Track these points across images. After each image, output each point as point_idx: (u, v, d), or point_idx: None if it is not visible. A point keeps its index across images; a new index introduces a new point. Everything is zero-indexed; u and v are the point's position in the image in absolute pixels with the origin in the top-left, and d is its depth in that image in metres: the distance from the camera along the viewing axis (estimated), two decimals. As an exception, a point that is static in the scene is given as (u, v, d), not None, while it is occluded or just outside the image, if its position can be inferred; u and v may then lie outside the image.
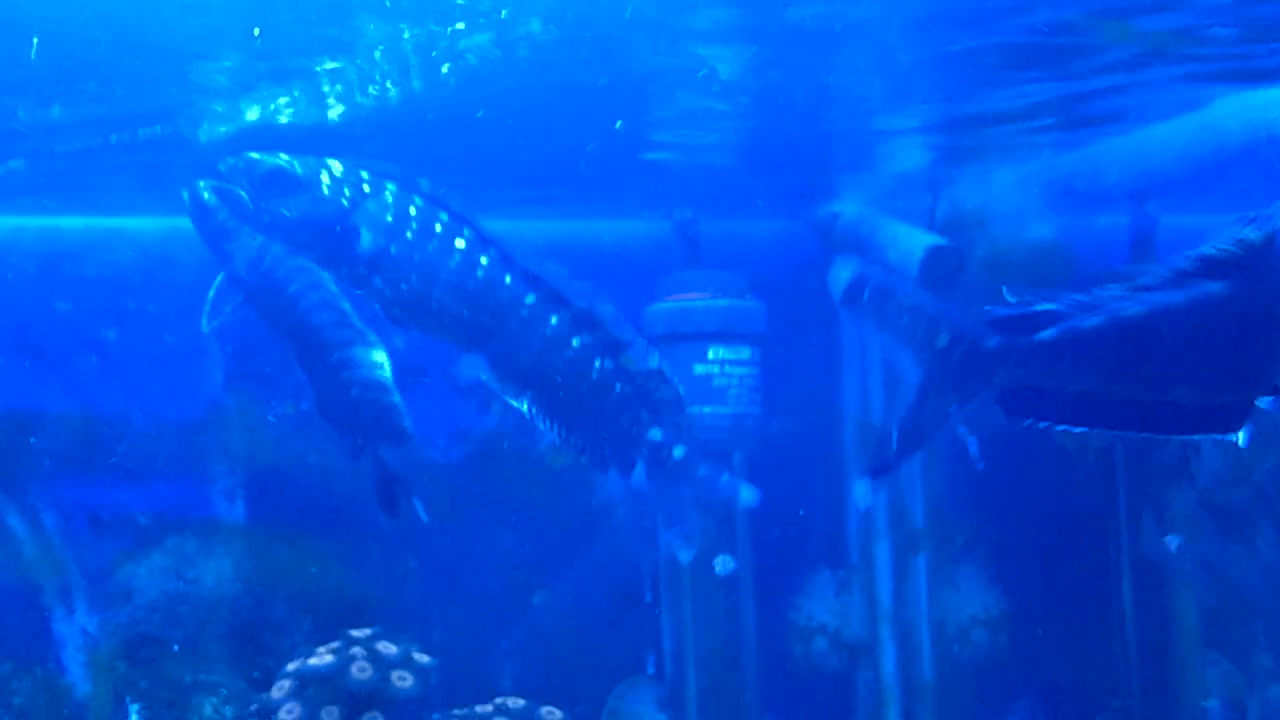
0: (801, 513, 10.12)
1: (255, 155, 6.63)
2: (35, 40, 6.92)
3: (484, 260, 6.63)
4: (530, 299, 6.64)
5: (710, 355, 9.37)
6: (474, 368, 6.81)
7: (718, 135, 9.12)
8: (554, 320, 6.66)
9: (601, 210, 10.92)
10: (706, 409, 9.35)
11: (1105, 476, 9.85)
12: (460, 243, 6.68)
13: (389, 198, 6.65)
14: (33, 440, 10.11)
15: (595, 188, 10.26)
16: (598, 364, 6.71)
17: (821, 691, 10.12)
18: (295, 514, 10.15)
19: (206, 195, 7.70)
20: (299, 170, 6.61)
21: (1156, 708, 9.78)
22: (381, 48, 7.32)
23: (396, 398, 7.83)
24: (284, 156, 6.64)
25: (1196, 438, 8.10)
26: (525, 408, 6.82)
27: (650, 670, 9.98)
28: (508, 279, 6.67)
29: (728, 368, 9.39)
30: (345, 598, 10.00)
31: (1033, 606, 10.11)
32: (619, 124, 8.63)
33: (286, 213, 6.63)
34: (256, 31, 6.98)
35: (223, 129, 8.39)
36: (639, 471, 6.80)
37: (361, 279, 6.69)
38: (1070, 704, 10.15)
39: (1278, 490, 9.97)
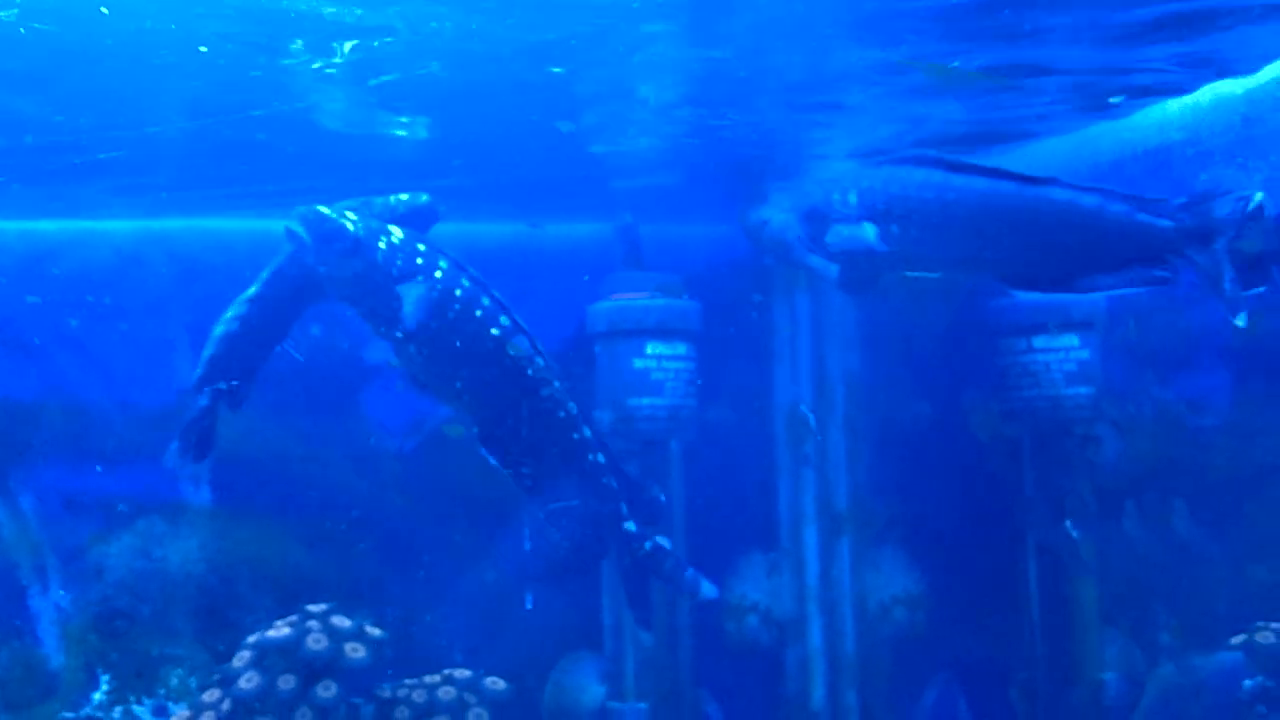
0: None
1: (325, 211, 7.12)
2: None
3: (512, 351, 7.20)
4: (546, 392, 7.21)
5: (649, 350, 9.91)
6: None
7: (659, 153, 9.80)
8: (561, 415, 7.24)
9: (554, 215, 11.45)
10: (645, 400, 9.90)
11: (1014, 464, 10.46)
12: (495, 330, 7.20)
13: (438, 274, 7.16)
14: (13, 429, 10.59)
15: (548, 195, 10.83)
16: (591, 458, 7.47)
17: (753, 666, 10.62)
18: (257, 498, 10.64)
19: None
20: (360, 233, 7.11)
21: (1059, 681, 10.35)
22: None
23: None
24: (351, 215, 7.14)
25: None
26: (519, 480, 7.42)
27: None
28: (530, 371, 7.25)
29: (665, 362, 9.93)
30: (303, 576, 10.48)
31: (948, 587, 10.67)
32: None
33: (342, 270, 7.15)
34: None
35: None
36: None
37: (399, 343, 7.19)
38: (982, 677, 10.73)
39: (1138, 476, 10.55)
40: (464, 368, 7.29)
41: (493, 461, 7.49)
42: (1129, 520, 10.47)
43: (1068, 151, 10.08)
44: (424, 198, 7.95)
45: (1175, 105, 9.56)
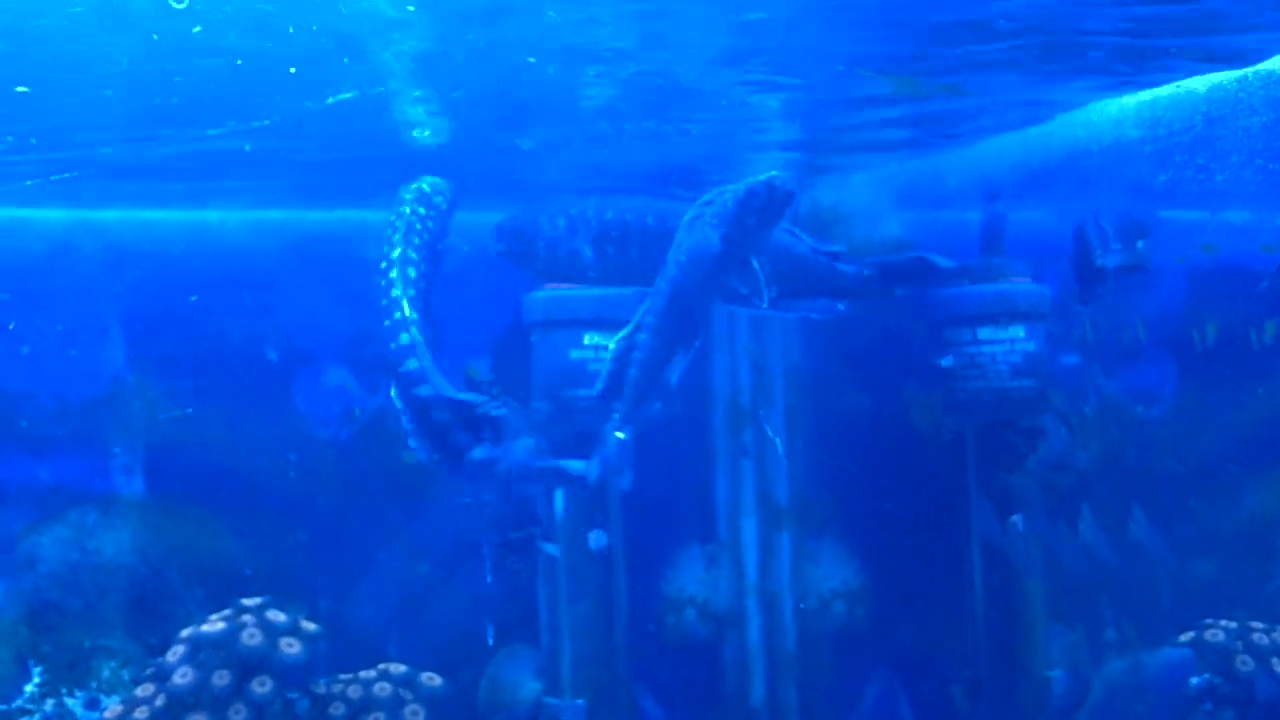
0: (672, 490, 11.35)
1: None
2: None
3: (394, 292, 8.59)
4: (387, 321, 8.41)
5: (585, 341, 10.75)
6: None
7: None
8: (393, 346, 8.42)
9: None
10: (582, 392, 10.71)
11: (957, 459, 11.24)
12: (394, 272, 8.47)
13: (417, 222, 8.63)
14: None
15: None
16: (418, 394, 8.74)
17: (691, 660, 11.40)
18: (190, 488, 11.48)
19: None
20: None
21: (1003, 678, 11.16)
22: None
23: None
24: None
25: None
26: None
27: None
28: (383, 301, 8.93)
29: (601, 353, 10.57)
30: (237, 568, 11.36)
31: (890, 581, 11.43)
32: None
33: None
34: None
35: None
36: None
37: None
38: (924, 674, 11.53)
39: (1097, 477, 11.31)
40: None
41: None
42: (1085, 523, 11.17)
43: (1020, 146, 10.84)
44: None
45: (1133, 101, 10.21)
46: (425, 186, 10.24)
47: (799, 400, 11.35)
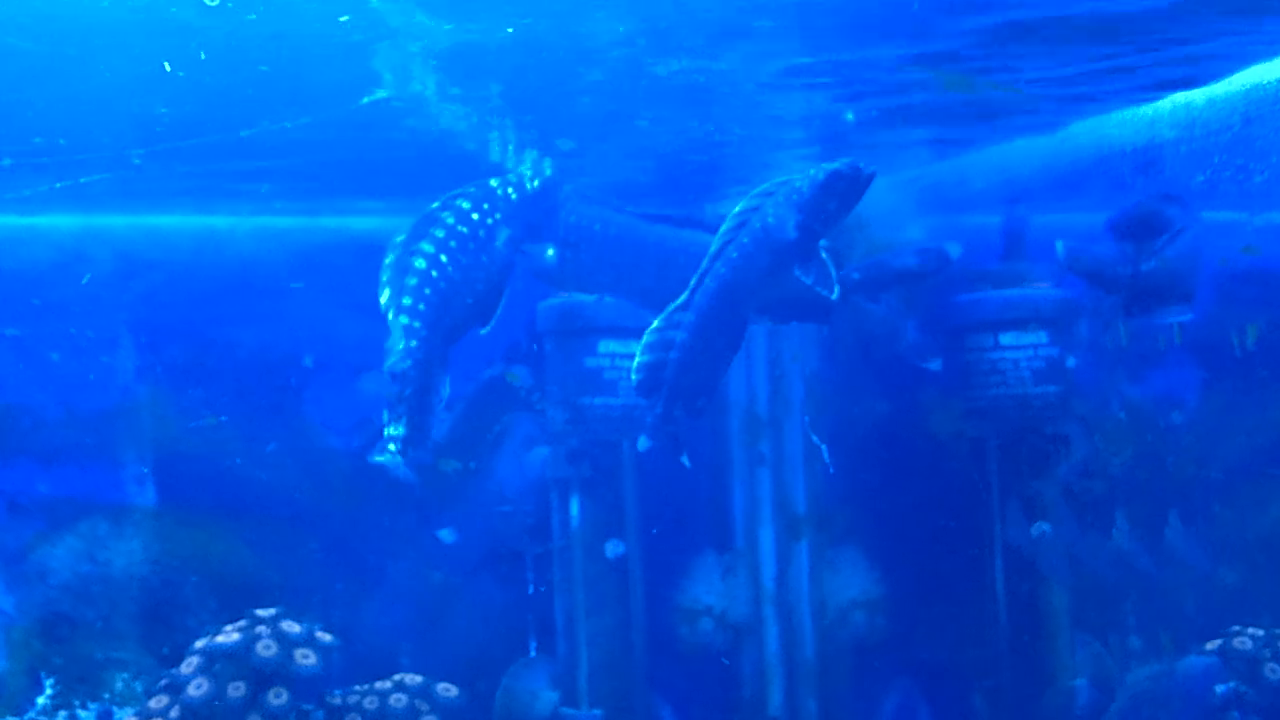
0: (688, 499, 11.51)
1: None
2: None
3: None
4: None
5: (600, 349, 10.95)
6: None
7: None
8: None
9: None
10: (598, 400, 10.92)
11: (979, 465, 11.34)
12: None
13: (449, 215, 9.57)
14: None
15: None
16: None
17: (708, 670, 11.53)
18: (202, 498, 11.59)
19: None
20: None
21: (1027, 688, 11.25)
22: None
23: None
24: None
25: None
26: None
27: (532, 653, 11.50)
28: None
29: (617, 361, 10.92)
30: (250, 578, 11.45)
31: (910, 590, 11.51)
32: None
33: None
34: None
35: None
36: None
37: None
38: (945, 684, 11.62)
39: (1131, 483, 11.34)
40: None
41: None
42: (1119, 531, 11.23)
43: (1047, 148, 10.84)
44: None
45: (1167, 102, 10.15)
46: (493, 181, 10.25)
47: (818, 407, 11.42)
